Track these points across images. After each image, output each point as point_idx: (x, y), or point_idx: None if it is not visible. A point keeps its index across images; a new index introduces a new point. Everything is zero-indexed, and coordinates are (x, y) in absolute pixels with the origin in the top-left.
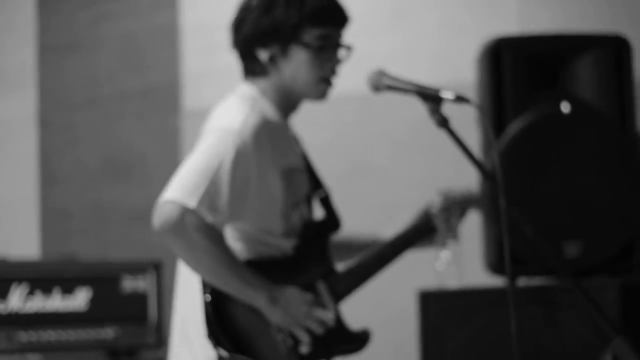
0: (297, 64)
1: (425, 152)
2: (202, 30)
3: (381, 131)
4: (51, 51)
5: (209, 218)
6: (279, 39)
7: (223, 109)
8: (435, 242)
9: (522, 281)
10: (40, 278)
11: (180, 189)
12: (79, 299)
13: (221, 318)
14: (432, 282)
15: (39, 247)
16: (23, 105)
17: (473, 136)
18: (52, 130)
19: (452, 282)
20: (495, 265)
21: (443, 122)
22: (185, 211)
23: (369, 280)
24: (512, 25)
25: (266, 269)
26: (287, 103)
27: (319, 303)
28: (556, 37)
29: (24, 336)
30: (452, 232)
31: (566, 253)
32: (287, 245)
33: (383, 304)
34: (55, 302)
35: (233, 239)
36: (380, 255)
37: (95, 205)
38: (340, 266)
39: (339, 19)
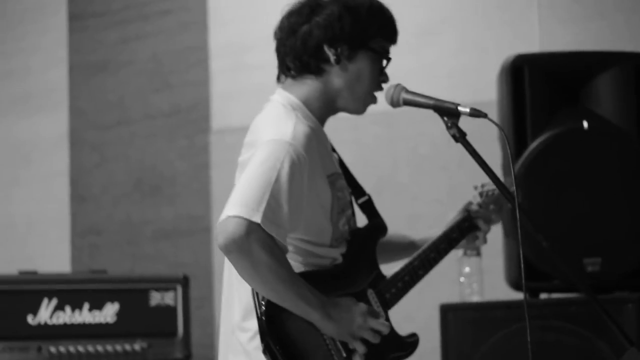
0: (360, 69)
1: (447, 168)
2: (230, 50)
3: (404, 148)
4: (81, 71)
5: (273, 232)
6: (352, 41)
7: (268, 119)
8: (477, 240)
9: (544, 296)
10: (70, 291)
11: (243, 205)
12: (108, 313)
13: (277, 332)
14: (455, 297)
15: (69, 264)
16: (55, 125)
17: (496, 154)
18: (82, 149)
19: (475, 297)
20: (517, 280)
21: (460, 137)
22: (251, 227)
23: (415, 285)
24: (534, 45)
25: (318, 280)
26: (327, 110)
27: (372, 312)
28: (576, 54)
29: (54, 349)
30: (490, 227)
31: (586, 269)
32: (336, 254)
33: (408, 318)
34: (85, 316)
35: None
36: (424, 259)
37: (125, 223)
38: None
39: (397, 36)
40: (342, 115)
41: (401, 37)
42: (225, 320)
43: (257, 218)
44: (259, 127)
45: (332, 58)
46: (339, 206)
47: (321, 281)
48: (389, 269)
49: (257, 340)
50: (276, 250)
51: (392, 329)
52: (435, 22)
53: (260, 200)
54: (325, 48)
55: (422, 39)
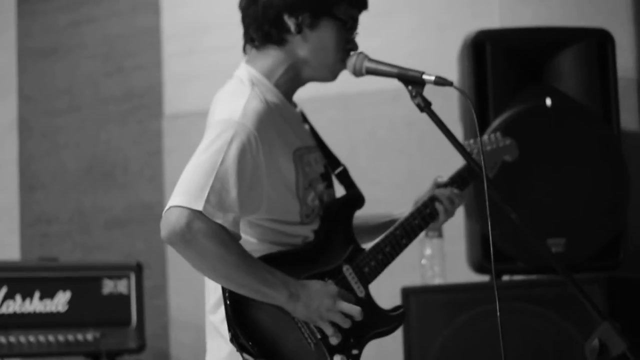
0: (324, 38)
1: (406, 152)
2: (183, 33)
3: (362, 131)
4: (31, 56)
5: (219, 218)
6: (314, 9)
7: (224, 97)
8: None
9: (506, 278)
10: (20, 280)
11: (185, 193)
12: (60, 302)
13: (244, 322)
14: (417, 280)
15: (19, 254)
16: (3, 112)
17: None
18: (32, 137)
19: (437, 280)
20: (479, 263)
21: (425, 106)
22: (192, 216)
23: (396, 256)
24: (494, 23)
25: (287, 262)
26: (293, 82)
27: (343, 294)
28: (539, 30)
29: (4, 339)
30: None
31: (550, 249)
32: (307, 231)
33: None
34: (35, 305)
35: (248, 235)
36: (407, 227)
37: (76, 212)
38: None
39: (365, 3)
40: (298, 97)
41: (361, 17)
42: (205, 304)
43: (199, 206)
44: (215, 106)
45: (293, 27)
46: (305, 181)
47: (291, 262)
48: None
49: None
50: (223, 237)
51: (372, 304)
52: (393, 2)
53: (203, 187)
54: (286, 17)
55: (381, 19)
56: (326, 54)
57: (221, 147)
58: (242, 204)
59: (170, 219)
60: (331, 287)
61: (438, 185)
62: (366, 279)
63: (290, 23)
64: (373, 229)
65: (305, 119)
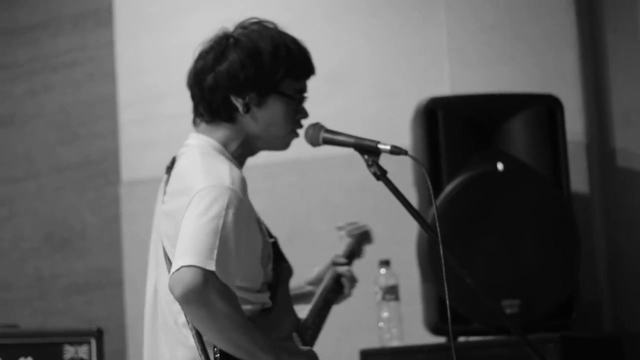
0: (272, 114)
1: (361, 216)
2: (139, 100)
3: (317, 196)
4: None
5: (226, 281)
6: (260, 89)
7: (197, 164)
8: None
9: (462, 339)
10: None
11: (195, 254)
12: None
13: None
14: (375, 343)
15: None
16: None
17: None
18: None
19: (394, 342)
20: (435, 325)
21: (381, 174)
22: (207, 276)
23: (322, 327)
24: (445, 89)
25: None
26: (246, 152)
27: (315, 356)
28: (489, 96)
29: None
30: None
31: (505, 311)
32: (264, 298)
33: None
34: None
35: None
36: (325, 299)
37: (35, 278)
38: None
39: (312, 72)
40: (254, 163)
41: (313, 83)
42: None
43: (212, 266)
44: (187, 173)
45: (241, 108)
46: (266, 251)
47: (258, 327)
48: None
49: None
50: (232, 298)
51: None
52: (346, 68)
53: (211, 248)
54: (232, 98)
55: (334, 86)
56: (277, 128)
57: (219, 212)
58: (236, 269)
59: (185, 279)
60: (308, 348)
61: (335, 263)
62: (309, 345)
63: (238, 103)
64: (295, 297)
65: None
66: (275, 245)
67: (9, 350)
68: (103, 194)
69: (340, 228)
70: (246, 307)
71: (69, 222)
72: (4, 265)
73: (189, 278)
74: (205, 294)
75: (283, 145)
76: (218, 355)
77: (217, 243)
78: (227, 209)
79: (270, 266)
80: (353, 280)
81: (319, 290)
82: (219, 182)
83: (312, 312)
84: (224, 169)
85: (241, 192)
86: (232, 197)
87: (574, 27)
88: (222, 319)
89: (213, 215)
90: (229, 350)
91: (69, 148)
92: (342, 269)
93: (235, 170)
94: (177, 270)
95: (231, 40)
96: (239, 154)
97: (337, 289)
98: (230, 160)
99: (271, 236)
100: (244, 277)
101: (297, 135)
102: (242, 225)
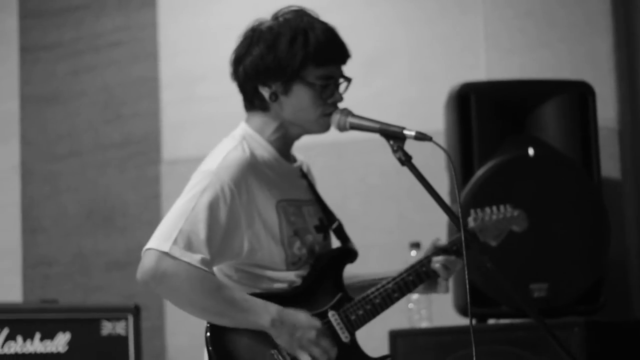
0: (298, 102)
1: (396, 198)
2: (181, 81)
3: (353, 178)
4: (33, 103)
5: (187, 257)
6: (282, 78)
7: (213, 152)
8: (438, 286)
9: (492, 322)
10: (22, 321)
11: (157, 237)
12: (60, 343)
13: (223, 352)
14: (405, 324)
15: (21, 295)
16: (6, 157)
17: (444, 183)
18: (34, 181)
19: (424, 323)
20: (464, 307)
21: (406, 160)
22: (160, 257)
23: (386, 308)
24: (481, 74)
25: (273, 300)
26: (285, 138)
27: (325, 333)
28: (522, 82)
29: None
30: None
31: (533, 294)
32: (292, 276)
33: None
34: (36, 346)
35: (234, 279)
36: (400, 282)
37: (77, 254)
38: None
39: (341, 56)
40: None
41: (351, 67)
42: None
43: (166, 247)
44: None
45: (268, 96)
46: (290, 230)
47: (277, 301)
48: None
49: None
50: (190, 273)
51: (360, 351)
52: (383, 52)
53: (172, 230)
54: (260, 88)
55: (371, 69)
56: (305, 113)
57: (194, 194)
58: (214, 248)
59: (143, 262)
60: (317, 321)
61: (436, 248)
62: (352, 326)
63: (265, 93)
64: (364, 288)
65: (304, 175)
66: (337, 229)
67: (48, 325)
68: (144, 172)
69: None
70: (267, 285)
71: (110, 200)
72: (46, 241)
73: (145, 260)
74: (159, 273)
75: (318, 128)
76: (208, 334)
77: (180, 224)
78: (203, 191)
79: (297, 245)
80: (446, 270)
81: (393, 275)
82: (207, 168)
83: (371, 294)
84: (220, 155)
85: (229, 177)
86: (214, 180)
87: (608, 14)
88: (183, 293)
89: (187, 199)
90: (213, 319)
91: (112, 127)
92: (436, 258)
93: (236, 154)
94: (142, 254)
95: (256, 32)
96: (275, 139)
97: (423, 272)
98: (261, 147)
99: (331, 220)
100: (253, 255)
101: (330, 116)
102: (224, 207)
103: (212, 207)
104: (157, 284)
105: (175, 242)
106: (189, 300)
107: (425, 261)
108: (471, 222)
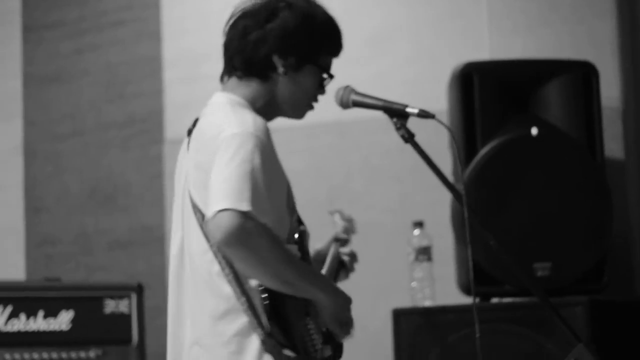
0: (304, 82)
1: (399, 178)
2: (184, 60)
3: (357, 157)
4: (35, 82)
5: (263, 219)
6: (301, 55)
7: (221, 116)
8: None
9: (495, 300)
10: (25, 299)
11: (228, 197)
12: (63, 321)
13: (279, 319)
14: (408, 303)
15: (24, 274)
16: (8, 136)
17: (448, 161)
18: (36, 160)
19: (427, 302)
20: (467, 285)
21: (409, 137)
22: (243, 217)
23: None
24: (484, 54)
25: None
26: (268, 113)
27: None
28: (525, 62)
29: (8, 356)
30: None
31: (536, 273)
32: (294, 250)
33: (361, 324)
34: (39, 323)
35: None
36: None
37: (80, 234)
38: None
39: (341, 51)
40: (295, 124)
41: (354, 46)
42: (176, 337)
43: (246, 207)
44: (212, 126)
45: (280, 69)
46: (291, 202)
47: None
48: None
49: (233, 345)
50: (272, 234)
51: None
52: (387, 31)
53: (242, 191)
54: (275, 58)
55: (374, 48)
56: (302, 96)
57: (246, 156)
58: (273, 210)
59: (223, 223)
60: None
61: (338, 239)
62: None
63: (278, 64)
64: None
65: None
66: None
67: (51, 303)
68: (147, 152)
69: (332, 212)
70: None
71: (113, 179)
72: (49, 220)
73: (226, 221)
74: (245, 233)
75: (298, 115)
76: (267, 302)
77: (248, 186)
78: (252, 153)
79: (295, 217)
80: (355, 257)
81: (324, 269)
82: (243, 129)
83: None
84: (248, 117)
85: (265, 137)
86: (257, 142)
87: None
88: (266, 255)
89: (241, 161)
90: (276, 286)
91: (114, 106)
92: (344, 249)
93: (259, 118)
94: (213, 216)
95: (283, 3)
96: (263, 113)
97: (339, 267)
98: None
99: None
100: (274, 223)
101: (312, 108)
102: (269, 169)
103: (264, 169)
104: (242, 245)
105: (251, 201)
106: (268, 263)
107: (336, 263)
108: None
